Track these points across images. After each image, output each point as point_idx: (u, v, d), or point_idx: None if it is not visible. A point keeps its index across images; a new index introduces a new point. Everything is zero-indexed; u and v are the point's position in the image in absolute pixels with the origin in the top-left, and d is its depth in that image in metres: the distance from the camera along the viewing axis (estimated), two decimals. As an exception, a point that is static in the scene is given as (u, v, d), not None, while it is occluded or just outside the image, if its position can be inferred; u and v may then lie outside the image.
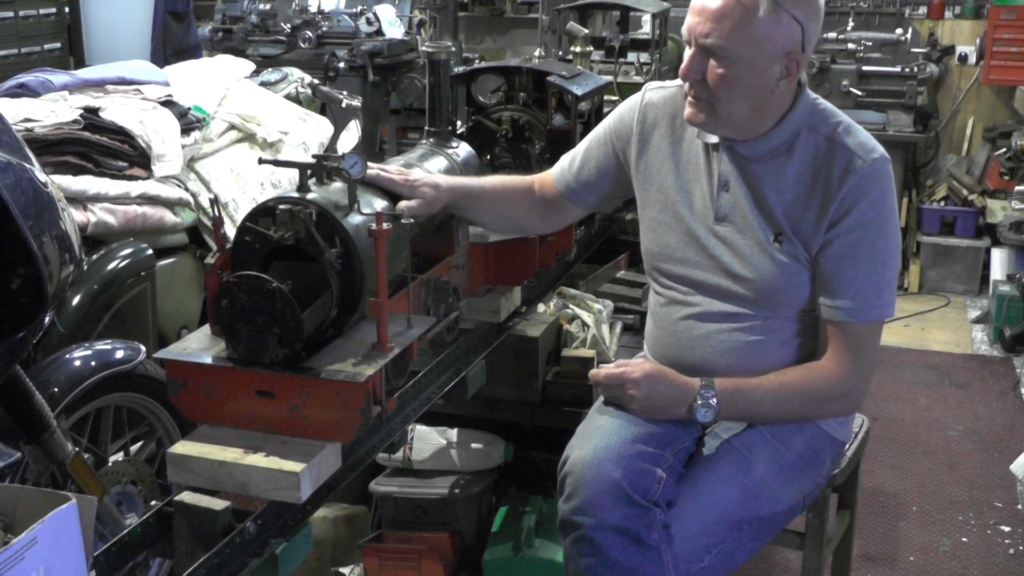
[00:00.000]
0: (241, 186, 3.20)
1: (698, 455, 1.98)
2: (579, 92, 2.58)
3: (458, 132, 2.60)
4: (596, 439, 1.90)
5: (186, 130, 3.02)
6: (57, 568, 1.24)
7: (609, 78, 3.48)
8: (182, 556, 1.62)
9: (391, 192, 1.92)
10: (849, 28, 5.82)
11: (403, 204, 1.90)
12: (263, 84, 3.92)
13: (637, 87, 2.19)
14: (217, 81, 3.48)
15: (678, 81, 2.09)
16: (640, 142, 2.08)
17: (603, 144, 2.15)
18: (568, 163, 2.20)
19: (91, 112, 2.80)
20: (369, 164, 1.87)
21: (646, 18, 4.92)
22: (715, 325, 1.98)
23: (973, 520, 3.27)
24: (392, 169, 1.97)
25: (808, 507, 2.11)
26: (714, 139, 1.97)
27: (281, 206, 1.65)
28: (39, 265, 1.58)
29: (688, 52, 1.89)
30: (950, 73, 5.96)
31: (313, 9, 5.46)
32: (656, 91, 2.11)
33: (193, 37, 5.91)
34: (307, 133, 3.63)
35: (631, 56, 4.17)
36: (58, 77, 2.96)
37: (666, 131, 2.06)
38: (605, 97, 2.93)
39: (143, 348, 2.35)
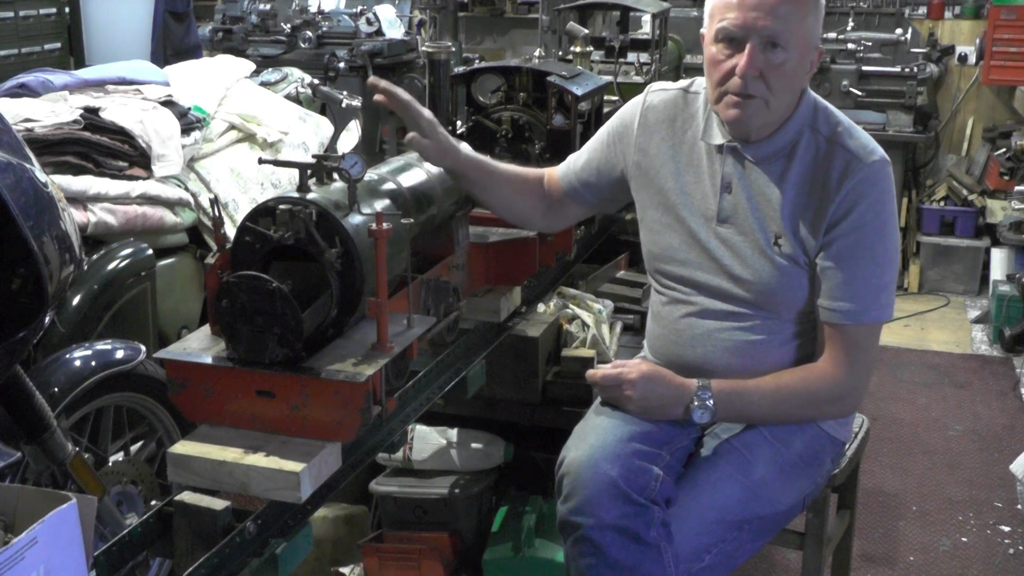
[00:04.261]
0: (241, 186, 3.20)
1: (698, 455, 1.98)
2: (579, 92, 2.58)
3: (458, 132, 2.60)
4: (592, 438, 1.90)
5: (186, 130, 3.02)
6: (57, 568, 1.24)
7: (609, 78, 3.49)
8: (182, 556, 1.62)
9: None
10: (849, 28, 5.82)
11: (412, 135, 1.92)
12: (263, 84, 3.92)
13: (637, 87, 2.20)
14: (217, 81, 3.48)
15: (680, 84, 2.10)
16: (641, 144, 2.08)
17: (606, 146, 2.15)
18: (573, 161, 2.21)
19: (91, 112, 2.80)
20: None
21: (646, 18, 4.93)
22: (716, 323, 1.98)
23: (973, 520, 3.27)
24: (424, 110, 1.97)
25: (808, 507, 2.11)
26: (719, 140, 1.97)
27: (281, 206, 1.65)
28: (39, 265, 1.58)
29: (720, 51, 1.86)
30: (950, 73, 5.96)
31: (313, 9, 5.46)
32: (658, 93, 2.10)
33: (193, 37, 5.91)
34: (307, 133, 3.63)
35: (631, 56, 4.18)
36: (58, 77, 2.96)
37: (667, 134, 2.05)
38: (605, 97, 2.93)
39: (143, 348, 2.35)
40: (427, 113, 1.96)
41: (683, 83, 2.10)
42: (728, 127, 1.94)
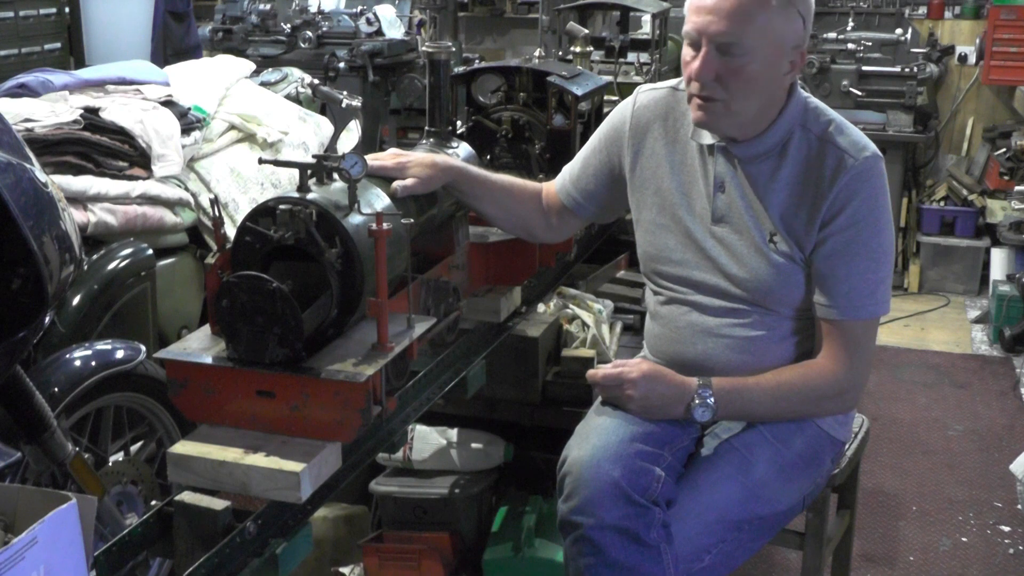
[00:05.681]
0: (241, 186, 3.20)
1: (698, 455, 1.98)
2: (579, 92, 2.58)
3: (458, 132, 2.60)
4: (594, 438, 1.90)
5: (186, 130, 3.02)
6: (57, 568, 1.24)
7: (609, 78, 3.48)
8: (182, 556, 1.62)
9: (387, 177, 1.93)
10: (849, 28, 5.82)
11: (397, 184, 1.90)
12: (263, 84, 3.93)
13: (637, 87, 2.19)
14: (217, 81, 3.48)
15: (669, 82, 2.10)
16: (634, 146, 2.08)
17: (599, 152, 2.15)
18: (568, 174, 2.21)
19: (91, 112, 2.80)
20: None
21: (646, 18, 4.92)
22: (716, 320, 1.99)
23: (973, 520, 3.27)
24: (386, 153, 1.98)
25: (808, 507, 2.11)
26: (709, 140, 1.97)
27: (281, 206, 1.65)
28: (39, 265, 1.59)
29: (688, 52, 1.88)
30: (950, 73, 5.96)
31: (313, 9, 5.47)
32: (647, 93, 2.10)
33: (193, 37, 5.91)
34: (307, 133, 3.63)
35: (631, 56, 4.18)
36: (58, 77, 2.96)
37: (660, 133, 2.05)
38: (605, 97, 2.93)
39: (143, 348, 2.36)
40: (390, 161, 1.96)
41: (672, 81, 2.10)
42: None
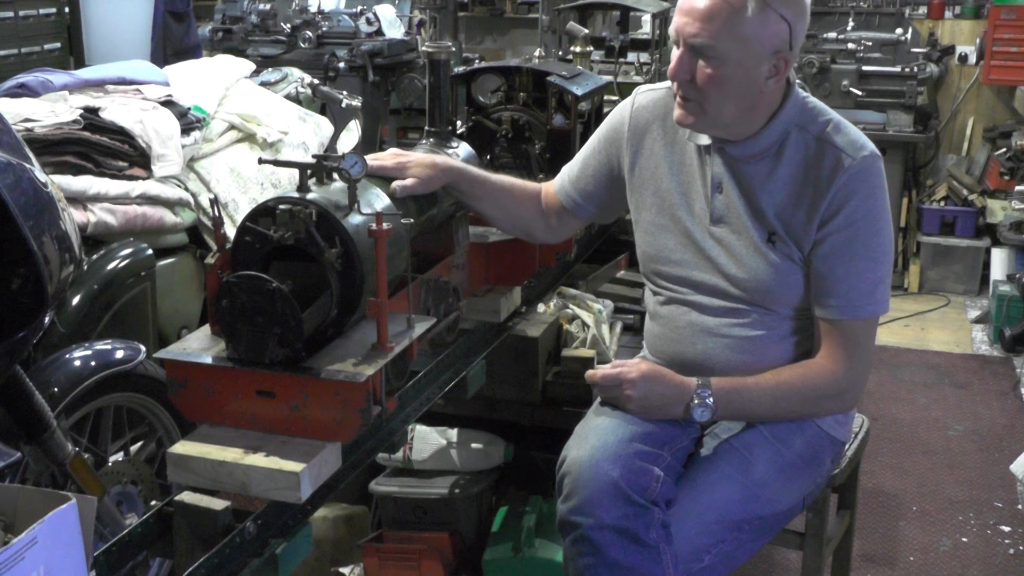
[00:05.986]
0: (241, 186, 3.20)
1: (697, 455, 1.98)
2: (579, 92, 2.58)
3: (458, 132, 2.60)
4: (593, 439, 1.90)
5: (186, 130, 3.02)
6: (57, 568, 1.24)
7: (609, 78, 3.49)
8: (182, 556, 1.62)
9: (387, 177, 1.93)
10: (849, 28, 5.82)
11: (397, 184, 1.90)
12: (263, 84, 3.92)
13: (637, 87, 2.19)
14: (217, 81, 3.48)
15: (668, 83, 2.10)
16: (633, 146, 2.08)
17: (598, 153, 2.15)
18: (567, 174, 2.21)
19: (91, 112, 2.80)
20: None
21: (646, 18, 4.93)
22: (715, 320, 1.99)
23: (973, 520, 3.27)
24: (386, 153, 1.98)
25: (808, 507, 2.11)
26: (705, 140, 1.97)
27: (281, 206, 1.65)
28: (39, 265, 1.59)
29: (675, 52, 1.89)
30: (950, 73, 5.96)
31: (313, 9, 5.47)
32: (646, 94, 2.11)
33: (193, 37, 5.91)
34: (307, 133, 3.63)
35: (631, 56, 4.18)
36: (58, 77, 2.96)
37: (659, 133, 2.06)
38: (605, 97, 2.93)
39: (143, 348, 2.36)
40: (390, 161, 1.96)
41: (670, 82, 2.10)
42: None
